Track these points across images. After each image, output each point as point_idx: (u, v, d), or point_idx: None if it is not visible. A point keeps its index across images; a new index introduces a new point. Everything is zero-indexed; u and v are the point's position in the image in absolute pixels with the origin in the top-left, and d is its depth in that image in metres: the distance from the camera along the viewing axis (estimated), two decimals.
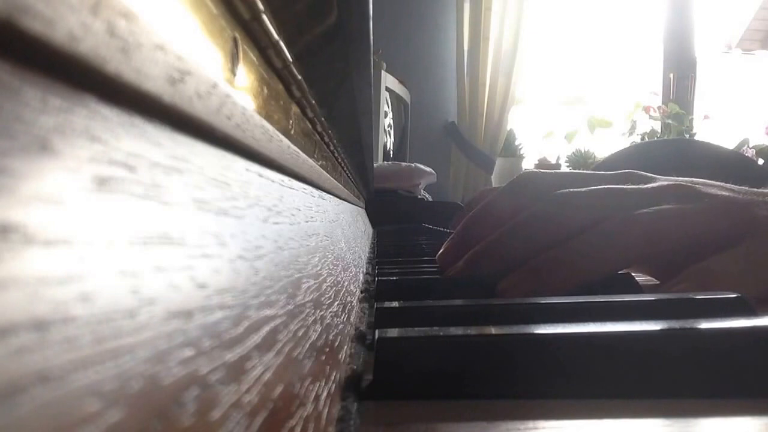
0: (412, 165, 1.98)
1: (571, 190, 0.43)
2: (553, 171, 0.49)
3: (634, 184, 0.44)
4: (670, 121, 3.11)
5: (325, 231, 0.40)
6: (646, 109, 3.23)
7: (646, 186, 0.44)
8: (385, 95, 2.63)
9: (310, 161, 0.43)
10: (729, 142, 2.86)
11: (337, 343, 0.24)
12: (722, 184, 0.44)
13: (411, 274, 0.52)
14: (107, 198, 0.10)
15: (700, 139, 2.63)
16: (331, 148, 0.61)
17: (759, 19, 3.67)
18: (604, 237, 0.40)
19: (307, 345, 0.19)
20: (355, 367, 0.25)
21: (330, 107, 0.52)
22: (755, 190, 0.44)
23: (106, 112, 0.11)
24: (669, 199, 0.42)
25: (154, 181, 0.13)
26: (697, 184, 0.44)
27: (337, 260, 0.39)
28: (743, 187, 0.44)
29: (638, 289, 0.41)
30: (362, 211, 1.25)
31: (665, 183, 0.44)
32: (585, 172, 0.49)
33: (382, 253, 0.77)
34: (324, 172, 0.52)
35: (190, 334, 0.11)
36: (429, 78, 3.21)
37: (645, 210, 0.40)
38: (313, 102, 0.42)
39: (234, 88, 0.21)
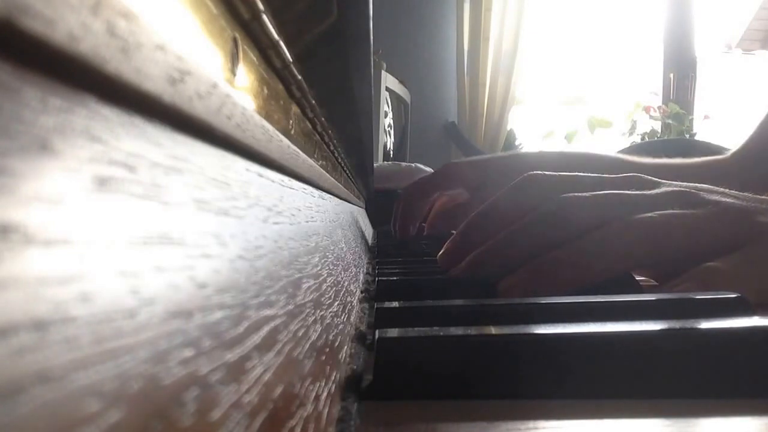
0: (412, 165, 1.98)
1: (576, 194, 0.44)
2: (558, 173, 0.50)
3: (638, 188, 0.45)
4: (670, 121, 3.11)
5: (325, 231, 0.40)
6: (646, 109, 3.23)
7: (650, 192, 0.44)
8: (385, 95, 2.63)
9: (310, 161, 0.43)
10: (729, 142, 2.85)
11: (337, 343, 0.24)
12: (725, 190, 0.45)
13: (411, 274, 0.52)
14: (107, 198, 0.10)
15: (701, 139, 2.63)
16: (331, 148, 0.61)
17: (759, 19, 3.67)
18: (607, 239, 0.41)
19: (307, 345, 0.19)
20: (355, 367, 0.25)
21: (330, 107, 0.52)
22: (758, 197, 0.44)
23: (106, 112, 0.11)
24: (672, 205, 0.42)
25: (154, 181, 0.13)
26: (701, 190, 0.44)
27: (337, 260, 0.39)
28: (746, 194, 0.44)
29: (638, 289, 0.41)
30: (362, 211, 1.25)
31: (669, 189, 0.45)
32: (590, 174, 0.49)
33: (382, 253, 0.77)
34: (324, 172, 0.52)
35: (190, 334, 0.11)
36: (429, 78, 3.21)
37: (648, 214, 0.41)
38: (313, 102, 0.42)
39: (234, 88, 0.21)
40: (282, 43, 0.29)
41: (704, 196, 0.43)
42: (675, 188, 0.45)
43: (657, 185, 0.46)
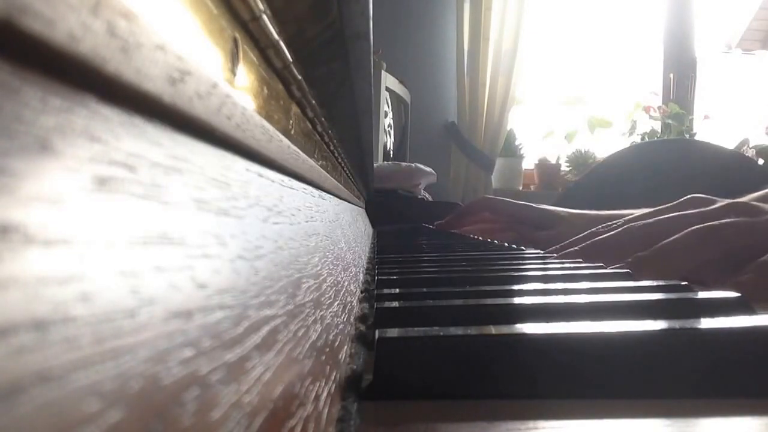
0: (412, 165, 1.98)
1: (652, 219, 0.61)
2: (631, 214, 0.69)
3: (698, 207, 0.59)
4: (670, 121, 3.11)
5: (325, 231, 0.40)
6: (646, 109, 3.22)
7: (708, 208, 0.59)
8: (385, 95, 2.63)
9: (310, 161, 0.43)
10: (729, 142, 2.86)
11: (337, 343, 0.24)
12: None
13: (411, 274, 0.52)
14: (107, 198, 0.10)
15: (700, 139, 2.63)
16: (331, 148, 0.61)
17: (759, 19, 3.66)
18: (680, 243, 0.55)
19: (307, 345, 0.19)
20: (355, 367, 0.25)
21: (330, 107, 0.52)
22: None
23: (106, 112, 0.11)
24: (729, 215, 0.54)
25: (154, 181, 0.13)
26: (755, 200, 0.58)
27: (337, 260, 0.39)
28: None
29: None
30: (362, 211, 1.25)
31: (725, 203, 0.57)
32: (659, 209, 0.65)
33: (382, 253, 0.77)
34: (324, 172, 0.52)
35: (190, 334, 0.11)
36: (429, 78, 3.21)
37: (711, 223, 0.54)
38: (313, 102, 0.42)
39: (234, 88, 0.21)
40: (282, 43, 0.29)
41: (759, 205, 0.54)
42: (731, 201, 0.56)
43: (713, 202, 0.58)
